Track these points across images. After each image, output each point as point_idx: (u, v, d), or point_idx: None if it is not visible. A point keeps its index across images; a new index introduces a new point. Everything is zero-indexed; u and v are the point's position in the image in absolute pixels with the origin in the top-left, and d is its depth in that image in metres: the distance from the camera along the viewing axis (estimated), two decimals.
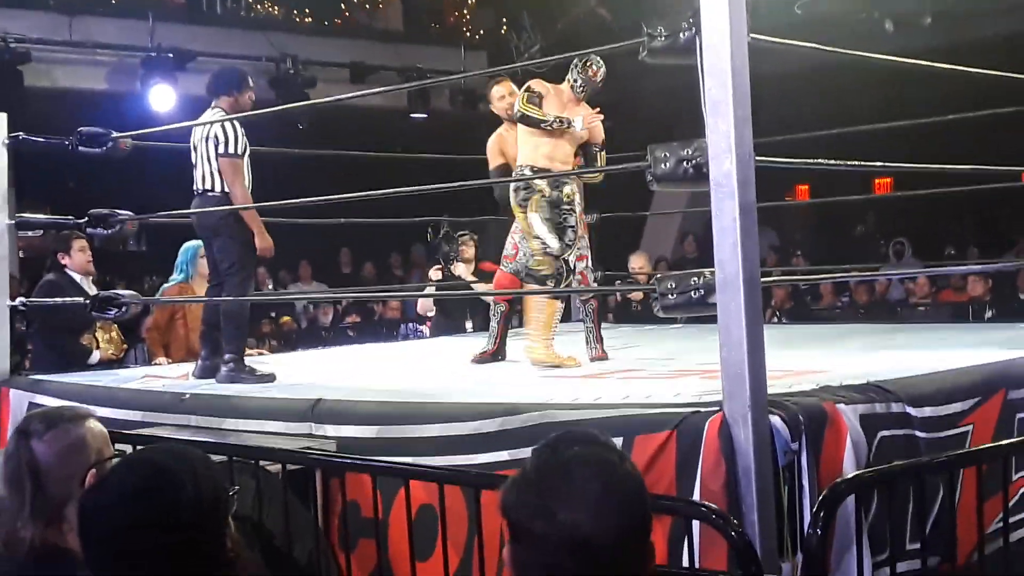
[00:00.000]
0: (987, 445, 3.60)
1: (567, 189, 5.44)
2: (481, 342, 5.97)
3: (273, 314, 10.80)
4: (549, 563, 1.50)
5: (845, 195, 11.23)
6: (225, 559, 1.76)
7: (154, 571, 1.69)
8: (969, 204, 12.67)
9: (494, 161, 6.03)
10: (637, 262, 8.70)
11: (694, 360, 5.29)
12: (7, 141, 5.71)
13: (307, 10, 12.27)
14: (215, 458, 2.49)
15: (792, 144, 5.49)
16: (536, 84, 5.55)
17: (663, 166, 3.39)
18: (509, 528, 1.55)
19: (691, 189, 3.56)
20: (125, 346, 7.06)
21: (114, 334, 6.83)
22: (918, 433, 3.65)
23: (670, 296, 3.39)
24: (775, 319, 9.47)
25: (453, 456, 3.74)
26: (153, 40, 10.91)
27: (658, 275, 3.60)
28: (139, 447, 2.86)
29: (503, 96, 5.96)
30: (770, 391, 3.27)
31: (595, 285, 6.21)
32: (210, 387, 5.16)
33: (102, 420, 2.41)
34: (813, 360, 4.79)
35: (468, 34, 12.63)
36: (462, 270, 7.88)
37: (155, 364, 6.58)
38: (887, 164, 4.32)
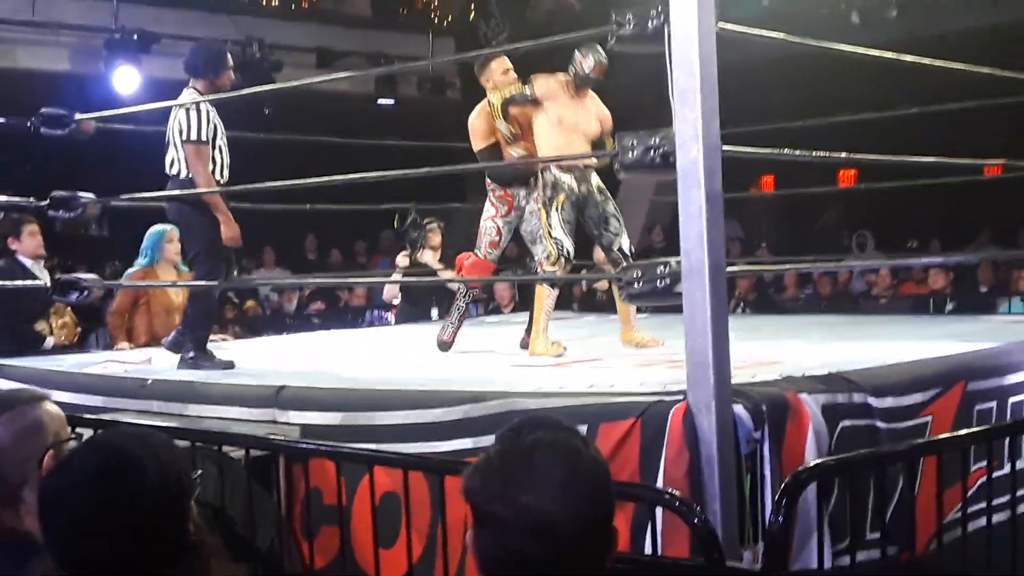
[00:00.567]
0: (948, 435, 3.64)
1: (583, 188, 5.44)
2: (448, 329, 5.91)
3: (237, 300, 10.73)
4: (512, 548, 1.50)
5: (809, 187, 11.29)
6: (187, 543, 1.75)
7: (116, 554, 1.67)
8: (932, 197, 12.77)
9: (484, 141, 5.77)
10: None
11: (658, 349, 5.32)
12: None
13: None
14: (177, 443, 2.47)
15: (758, 135, 5.51)
16: (539, 81, 5.48)
17: (630, 154, 3.40)
18: (472, 513, 1.55)
19: (658, 178, 3.57)
20: (79, 331, 6.99)
21: (67, 319, 6.77)
22: (879, 423, 3.69)
23: (636, 284, 3.40)
24: (739, 309, 9.52)
25: (417, 443, 3.74)
26: (117, 21, 10.78)
27: (624, 264, 3.61)
28: (100, 431, 2.83)
29: (507, 70, 5.68)
30: (734, 380, 3.29)
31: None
32: (173, 373, 5.13)
33: (63, 405, 2.39)
34: (776, 350, 4.82)
35: (436, 20, 12.58)
36: (429, 257, 7.86)
37: (117, 349, 6.52)
38: (852, 155, 4.36)
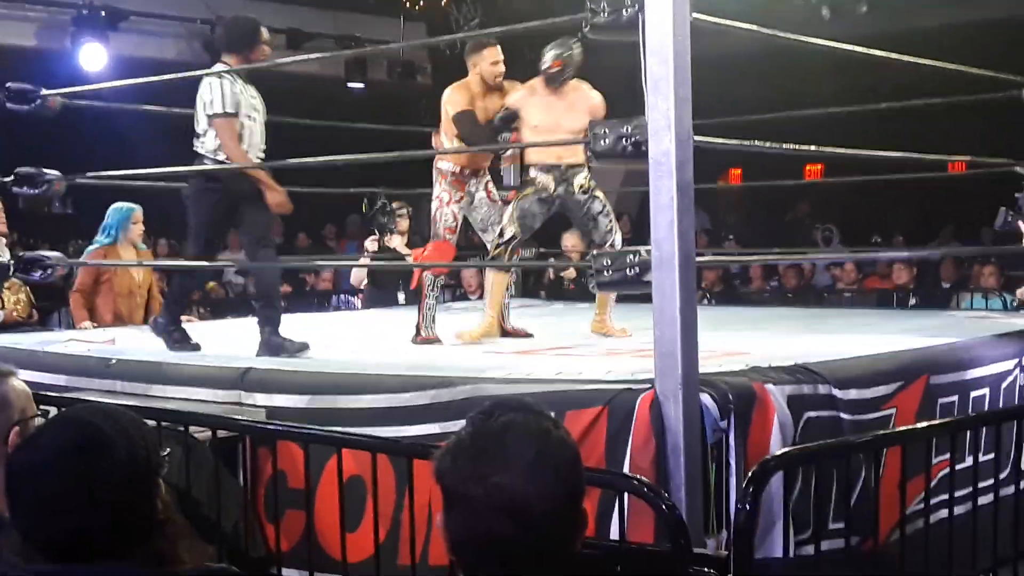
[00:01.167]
0: (912, 426, 3.69)
1: (561, 188, 5.41)
2: (413, 314, 5.87)
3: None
4: (482, 529, 1.50)
5: (777, 181, 11.35)
6: (155, 520, 1.74)
7: (84, 531, 1.66)
8: (897, 194, 12.89)
9: (461, 107, 5.56)
10: (570, 240, 8.71)
11: (626, 339, 5.34)
12: None
13: None
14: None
15: (726, 127, 5.53)
16: (510, 94, 5.47)
17: (602, 142, 3.40)
18: (443, 494, 1.55)
19: (629, 167, 3.58)
20: (34, 308, 6.92)
21: (23, 295, 6.70)
22: (843, 415, 3.72)
23: (606, 273, 3.41)
24: (705, 300, 9.57)
25: (384, 428, 3.73)
26: None
27: (594, 252, 3.62)
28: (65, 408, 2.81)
29: (496, 61, 5.57)
30: (701, 370, 3.30)
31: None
32: (137, 352, 5.08)
33: (25, 383, 2.36)
34: (743, 341, 4.85)
35: (407, 5, 12.49)
36: (397, 242, 7.84)
37: (81, 328, 6.46)
38: (821, 149, 4.39)
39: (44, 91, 5.54)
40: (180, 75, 5.25)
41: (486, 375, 3.95)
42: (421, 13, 12.52)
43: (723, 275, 10.81)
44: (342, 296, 10.04)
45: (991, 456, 3.72)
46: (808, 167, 13.67)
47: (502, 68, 5.58)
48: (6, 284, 6.22)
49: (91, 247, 6.80)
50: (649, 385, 3.29)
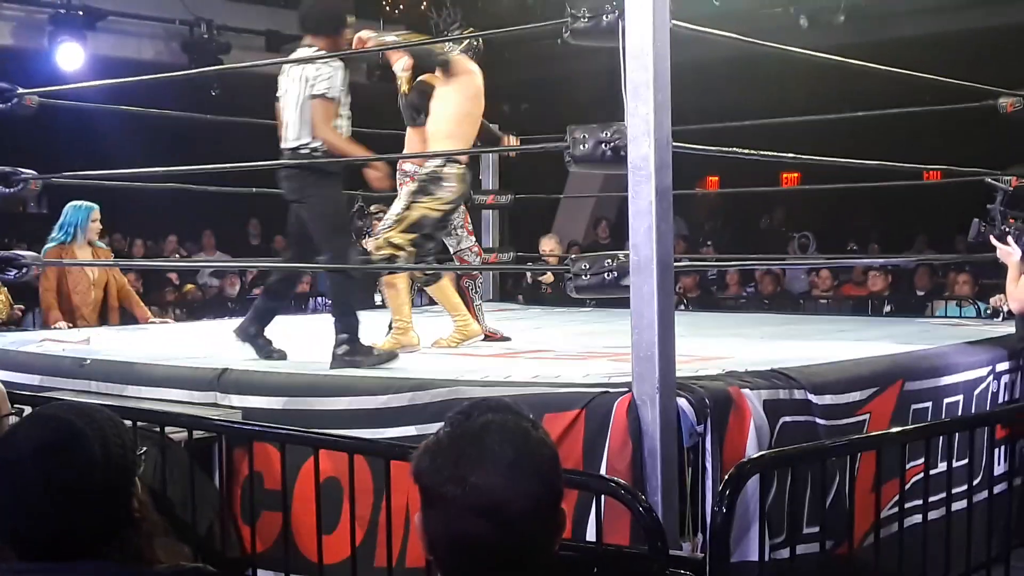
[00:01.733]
0: (886, 431, 3.71)
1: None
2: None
3: (177, 282, 10.61)
4: (460, 529, 1.50)
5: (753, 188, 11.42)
6: (131, 519, 1.73)
7: (61, 528, 1.65)
8: (872, 202, 13.01)
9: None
10: (548, 244, 8.73)
11: (602, 343, 5.35)
12: None
13: None
14: None
15: (703, 134, 5.56)
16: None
17: (582, 147, 3.41)
18: (421, 494, 1.55)
19: (609, 172, 3.59)
20: (13, 309, 6.85)
21: (2, 296, 6.63)
22: (818, 420, 3.74)
23: (584, 277, 3.42)
24: (682, 305, 9.60)
25: (361, 430, 3.72)
26: None
27: (572, 256, 3.63)
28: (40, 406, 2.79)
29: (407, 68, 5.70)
30: (678, 375, 3.32)
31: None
32: (111, 352, 5.05)
33: None
34: (719, 346, 4.87)
35: (388, 8, 12.49)
36: (374, 245, 7.82)
37: (54, 327, 6.41)
38: (798, 156, 4.43)
39: (21, 90, 5.50)
40: (159, 76, 5.24)
41: (464, 378, 3.95)
42: (401, 16, 12.51)
43: (700, 281, 10.85)
44: (319, 299, 10.02)
45: (964, 462, 3.75)
46: (784, 175, 13.77)
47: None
48: None
49: (48, 245, 6.73)
50: (626, 389, 3.30)
